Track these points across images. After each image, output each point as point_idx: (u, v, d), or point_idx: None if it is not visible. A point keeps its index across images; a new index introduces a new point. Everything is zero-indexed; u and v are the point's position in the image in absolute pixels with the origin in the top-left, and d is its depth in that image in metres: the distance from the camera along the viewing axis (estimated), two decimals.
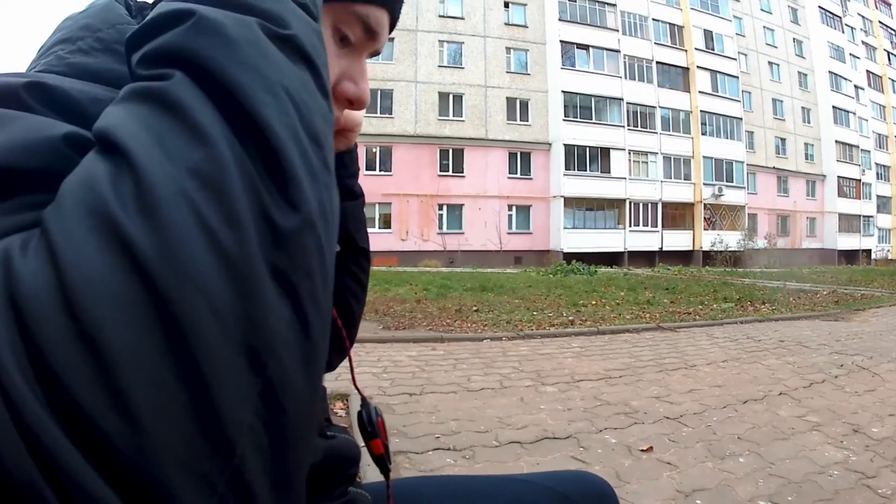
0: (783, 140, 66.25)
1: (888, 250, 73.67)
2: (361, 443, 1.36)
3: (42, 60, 1.00)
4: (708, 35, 59.96)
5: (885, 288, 27.80)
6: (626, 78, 54.61)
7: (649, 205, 54.76)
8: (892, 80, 79.41)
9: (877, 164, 74.57)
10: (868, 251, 70.49)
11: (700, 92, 57.89)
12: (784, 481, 5.52)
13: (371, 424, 1.37)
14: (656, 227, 54.90)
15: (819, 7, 70.57)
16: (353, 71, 1.14)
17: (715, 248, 53.60)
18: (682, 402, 8.31)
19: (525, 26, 53.38)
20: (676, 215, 56.64)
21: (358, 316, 1.55)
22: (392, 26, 1.19)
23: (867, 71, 75.81)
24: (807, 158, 68.10)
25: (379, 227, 47.05)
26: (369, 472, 4.31)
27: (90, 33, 1.01)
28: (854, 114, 71.31)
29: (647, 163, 55.27)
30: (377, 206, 46.47)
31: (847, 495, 5.20)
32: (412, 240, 46.92)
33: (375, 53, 1.19)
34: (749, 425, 7.29)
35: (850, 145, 70.42)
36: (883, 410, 8.01)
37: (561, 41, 52.40)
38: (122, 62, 0.87)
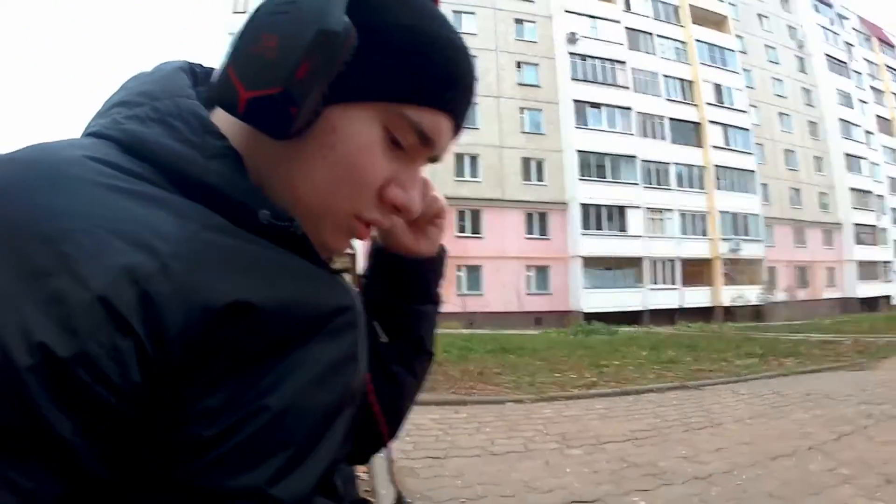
0: (797, 190, 66.24)
1: None
2: None
3: (100, 121, 1.00)
4: (718, 89, 60.26)
5: None
6: (639, 135, 54.84)
7: (667, 262, 54.71)
8: None
9: (892, 210, 74.36)
10: (888, 297, 70.03)
11: (713, 146, 58.07)
12: None
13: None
14: (675, 284, 54.78)
15: (826, 55, 70.94)
16: (405, 177, 1.09)
17: (735, 304, 53.20)
18: (710, 461, 8.25)
19: (538, 86, 53.68)
20: (695, 271, 56.51)
21: (404, 413, 1.50)
22: (457, 132, 1.13)
23: (876, 115, 75.95)
24: (822, 207, 68.04)
25: None
26: None
27: (149, 101, 0.99)
28: (866, 159, 71.35)
29: (663, 220, 55.31)
30: None
31: None
32: None
33: (434, 160, 1.14)
34: (779, 482, 7.25)
35: (865, 191, 70.34)
36: None
37: (574, 100, 52.72)
38: (175, 138, 0.95)
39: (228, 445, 0.84)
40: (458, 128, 1.12)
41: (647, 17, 59.22)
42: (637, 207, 53.42)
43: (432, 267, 1.46)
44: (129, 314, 0.76)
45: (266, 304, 0.88)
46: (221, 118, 1.00)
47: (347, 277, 1.24)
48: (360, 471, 7.45)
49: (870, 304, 66.01)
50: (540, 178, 52.86)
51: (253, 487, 0.86)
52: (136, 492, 0.81)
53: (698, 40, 60.86)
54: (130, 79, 1.08)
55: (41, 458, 0.71)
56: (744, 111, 61.20)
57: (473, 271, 49.92)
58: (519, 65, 54.37)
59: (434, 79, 1.03)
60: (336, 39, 0.90)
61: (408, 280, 1.43)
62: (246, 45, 0.91)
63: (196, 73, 1.13)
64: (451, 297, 47.50)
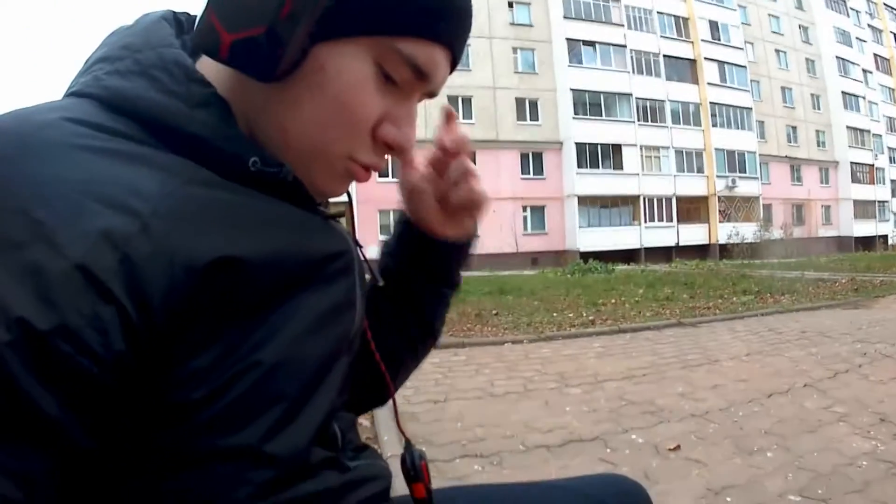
0: (794, 128, 66.14)
1: None
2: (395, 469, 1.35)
3: (81, 79, 0.99)
4: (713, 25, 59.99)
5: None
6: (633, 73, 54.84)
7: (663, 200, 54.80)
8: None
9: (889, 148, 74.26)
10: (885, 237, 70.06)
11: (708, 83, 57.96)
12: (813, 474, 5.51)
13: (414, 468, 1.32)
14: (671, 221, 54.94)
15: None
16: (398, 113, 1.07)
17: (731, 241, 53.16)
18: (707, 398, 8.29)
19: (530, 25, 53.43)
20: (691, 209, 56.63)
21: (407, 369, 1.53)
22: (454, 65, 1.11)
23: (874, 54, 75.53)
24: (819, 145, 67.94)
25: None
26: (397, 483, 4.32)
27: (130, 53, 0.97)
28: (864, 98, 71.11)
29: (659, 157, 55.34)
30: (391, 212, 46.31)
31: (878, 486, 5.19)
32: None
33: (430, 95, 1.12)
34: (775, 419, 7.27)
35: (862, 130, 70.20)
36: None
37: (567, 39, 52.59)
38: (158, 90, 0.93)
39: (219, 406, 0.85)
40: (454, 60, 1.10)
41: None
42: (632, 145, 53.71)
43: (459, 252, 1.45)
44: (109, 280, 0.74)
45: (253, 257, 0.88)
46: (207, 66, 1.00)
47: (342, 222, 1.22)
48: (362, 417, 7.53)
49: (865, 243, 66.18)
50: (534, 118, 52.98)
51: (245, 446, 0.88)
52: (127, 461, 0.82)
53: None
54: (111, 33, 1.06)
55: (28, 436, 0.70)
56: (740, 48, 61.13)
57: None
58: (511, 4, 54.11)
59: (426, 9, 0.99)
60: None
61: (431, 258, 1.43)
62: None
63: (181, 22, 1.12)
64: None
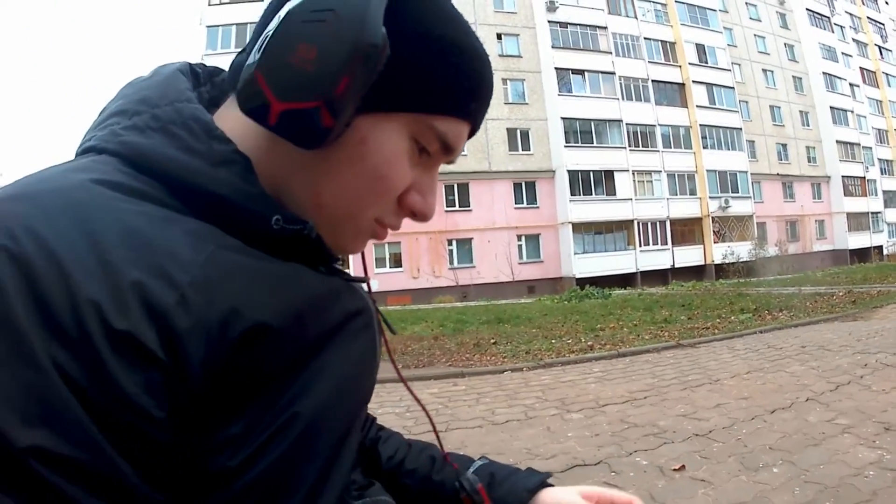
0: (784, 145, 66.31)
1: None
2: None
3: (98, 133, 0.97)
4: (700, 48, 60.22)
5: None
6: (623, 99, 54.79)
7: (657, 223, 54.80)
8: (886, 75, 79.72)
9: (879, 160, 74.58)
10: (879, 247, 70.30)
11: (697, 106, 58.05)
12: (820, 487, 5.49)
13: (476, 492, 1.37)
14: (666, 244, 54.93)
15: (807, 10, 70.82)
16: (423, 183, 1.09)
17: (727, 261, 53.45)
18: (710, 417, 8.31)
19: (519, 56, 53.61)
20: (685, 231, 56.67)
21: None
22: (471, 136, 1.13)
23: (861, 68, 75.99)
24: (809, 161, 68.14)
25: (390, 267, 46.79)
26: None
27: (148, 108, 0.96)
28: (852, 112, 71.34)
29: (651, 181, 55.38)
30: (386, 245, 46.48)
31: (886, 494, 5.18)
32: (424, 277, 46.76)
33: (449, 162, 1.14)
34: (779, 434, 7.29)
35: (852, 144, 70.41)
36: None
37: (556, 68, 52.58)
38: (177, 147, 0.91)
39: (254, 473, 0.85)
40: (473, 132, 1.11)
41: None
42: (624, 171, 53.52)
43: None
44: (155, 350, 0.74)
45: (282, 323, 0.88)
46: (227, 119, 0.99)
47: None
48: None
49: (860, 255, 66.38)
50: (526, 148, 52.83)
51: None
52: None
53: (678, 1, 60.73)
54: (126, 85, 1.05)
55: (106, 492, 0.70)
56: (727, 69, 61.17)
57: (464, 244, 49.94)
58: (499, 36, 54.05)
59: (462, 91, 1.02)
60: (375, 52, 0.87)
61: None
62: (280, 52, 0.86)
63: (197, 74, 1.11)
64: (444, 272, 47.61)
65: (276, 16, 0.88)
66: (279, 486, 0.88)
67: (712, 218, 56.99)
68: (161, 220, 0.84)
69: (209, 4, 49.26)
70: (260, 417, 0.86)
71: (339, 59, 0.85)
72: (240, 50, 1.05)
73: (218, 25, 48.63)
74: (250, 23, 48.06)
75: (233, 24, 48.18)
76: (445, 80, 0.99)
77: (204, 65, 1.13)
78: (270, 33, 0.87)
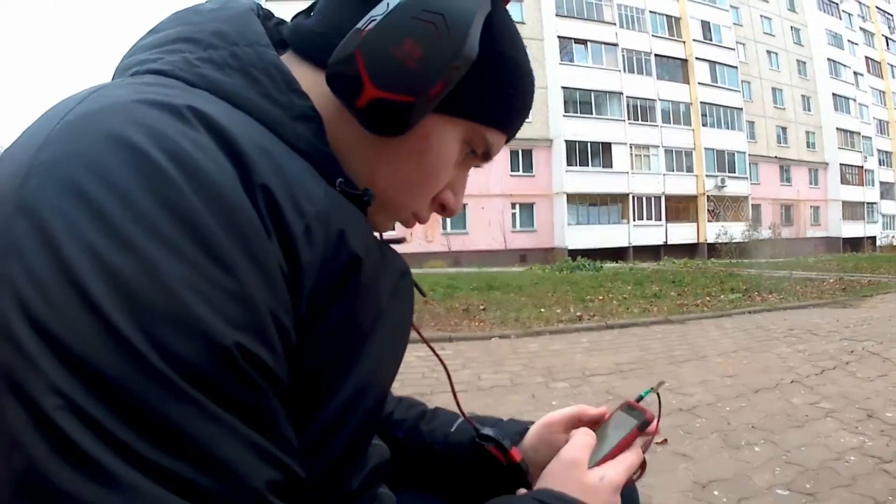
0: (784, 129, 66.26)
1: (893, 237, 73.62)
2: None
3: (165, 56, 0.94)
4: (705, 26, 59.97)
5: (892, 274, 27.87)
6: (624, 71, 54.69)
7: (652, 199, 54.83)
8: (891, 66, 79.59)
9: (879, 151, 74.62)
10: (873, 238, 70.46)
11: (699, 83, 57.93)
12: (801, 469, 5.52)
13: (504, 439, 1.45)
14: (660, 220, 55.00)
15: None
16: (458, 182, 1.16)
17: (720, 240, 53.35)
18: (695, 393, 8.31)
19: (522, 23, 53.10)
20: (680, 208, 56.68)
21: None
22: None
23: (866, 57, 75.84)
24: (808, 147, 68.13)
25: None
26: None
27: (226, 45, 0.96)
28: (854, 100, 71.31)
29: (648, 156, 55.33)
30: None
31: (865, 480, 5.20)
32: (416, 241, 46.64)
33: (478, 166, 1.19)
34: (763, 414, 7.30)
35: (852, 132, 70.42)
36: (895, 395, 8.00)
37: (559, 37, 52.44)
38: (258, 92, 0.93)
39: (321, 419, 0.92)
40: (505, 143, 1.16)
41: None
42: (622, 144, 53.60)
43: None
44: (285, 271, 0.79)
45: (368, 262, 0.93)
46: (302, 76, 0.99)
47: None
48: None
49: (854, 244, 66.52)
50: None
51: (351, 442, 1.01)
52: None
53: None
54: (188, 11, 1.03)
55: (280, 395, 0.78)
56: (731, 48, 61.04)
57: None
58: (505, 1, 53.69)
59: (515, 110, 1.09)
60: (469, 63, 0.91)
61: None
62: (386, 41, 0.88)
63: (259, 17, 1.09)
64: (436, 237, 47.57)
65: (385, 2, 0.89)
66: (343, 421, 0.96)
67: (707, 196, 57.12)
68: (284, 149, 0.89)
69: None
70: (342, 354, 0.93)
71: (441, 64, 0.88)
72: (303, 10, 1.11)
73: None
74: None
75: None
76: (507, 98, 1.06)
77: (264, 8, 1.13)
78: (379, 18, 0.88)
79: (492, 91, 1.03)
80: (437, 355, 1.50)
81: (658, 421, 1.32)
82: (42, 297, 0.65)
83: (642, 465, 1.31)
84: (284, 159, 0.85)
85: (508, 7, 1.09)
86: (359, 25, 0.89)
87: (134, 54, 0.99)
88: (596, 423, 1.43)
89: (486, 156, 1.12)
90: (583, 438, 1.29)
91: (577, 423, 1.46)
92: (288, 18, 1.16)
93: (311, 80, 0.98)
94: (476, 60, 0.92)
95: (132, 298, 0.66)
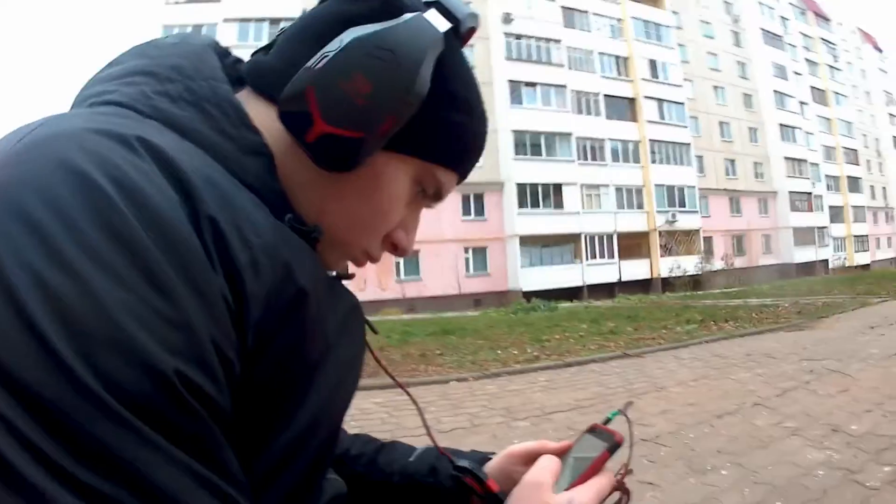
0: (732, 161, 67.26)
1: (845, 258, 75.75)
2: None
3: (122, 88, 0.92)
4: (653, 64, 60.90)
5: (846, 294, 28.45)
6: (574, 112, 55.13)
7: (605, 237, 55.20)
8: (836, 94, 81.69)
9: (826, 176, 76.40)
10: (825, 261, 71.98)
11: (648, 121, 58.71)
12: (770, 488, 5.50)
13: (480, 471, 1.37)
14: (613, 258, 55.34)
15: (761, 28, 72.12)
16: (410, 221, 1.13)
17: (673, 274, 54.17)
18: (656, 423, 8.37)
19: (472, 66, 53.67)
20: (632, 245, 57.09)
21: None
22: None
23: (811, 86, 77.61)
24: (757, 177, 69.12)
25: None
26: None
27: (182, 78, 0.94)
28: (801, 129, 72.72)
29: (599, 195, 55.78)
30: None
31: (835, 493, 5.20)
32: (371, 289, 46.30)
33: (430, 206, 1.17)
34: (726, 438, 7.33)
35: (799, 160, 71.65)
36: (858, 408, 8.16)
37: (508, 80, 52.78)
38: (210, 126, 0.92)
39: (270, 451, 0.89)
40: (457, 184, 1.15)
41: None
42: (573, 184, 53.76)
43: None
44: (229, 302, 0.78)
45: (315, 295, 0.91)
46: (256, 111, 0.97)
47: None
48: None
49: (807, 268, 67.64)
50: None
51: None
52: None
53: (634, 17, 61.43)
54: (148, 45, 1.03)
55: (221, 425, 0.75)
56: (679, 85, 61.93)
57: (411, 257, 49.52)
58: None
59: (467, 150, 1.09)
60: (419, 100, 0.92)
61: None
62: (336, 77, 0.88)
63: (220, 54, 1.08)
64: (390, 285, 47.66)
65: (338, 39, 0.91)
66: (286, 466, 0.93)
67: (659, 232, 57.62)
68: (231, 181, 0.87)
69: (166, 3, 49.39)
70: (283, 395, 0.90)
71: (390, 101, 0.90)
72: (262, 46, 1.09)
73: (174, 25, 48.40)
74: (207, 24, 48.68)
75: (189, 25, 47.99)
76: (458, 138, 1.06)
77: (222, 48, 1.11)
78: (331, 55, 0.89)
79: (443, 130, 1.03)
80: (406, 390, 1.45)
81: (632, 443, 1.22)
82: None
83: (626, 494, 1.22)
84: (231, 191, 0.85)
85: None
86: (311, 61, 0.90)
87: (93, 86, 0.97)
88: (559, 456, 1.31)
89: (438, 195, 1.11)
90: (545, 462, 1.20)
91: (536, 455, 1.31)
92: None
93: (264, 116, 0.97)
94: (427, 99, 0.93)
95: (72, 322, 0.64)
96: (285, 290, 0.85)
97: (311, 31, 0.98)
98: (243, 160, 0.91)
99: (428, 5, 0.97)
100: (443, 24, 0.94)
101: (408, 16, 0.92)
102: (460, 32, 1.00)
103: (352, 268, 1.13)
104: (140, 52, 1.00)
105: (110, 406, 0.64)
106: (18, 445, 0.61)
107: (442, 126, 1.02)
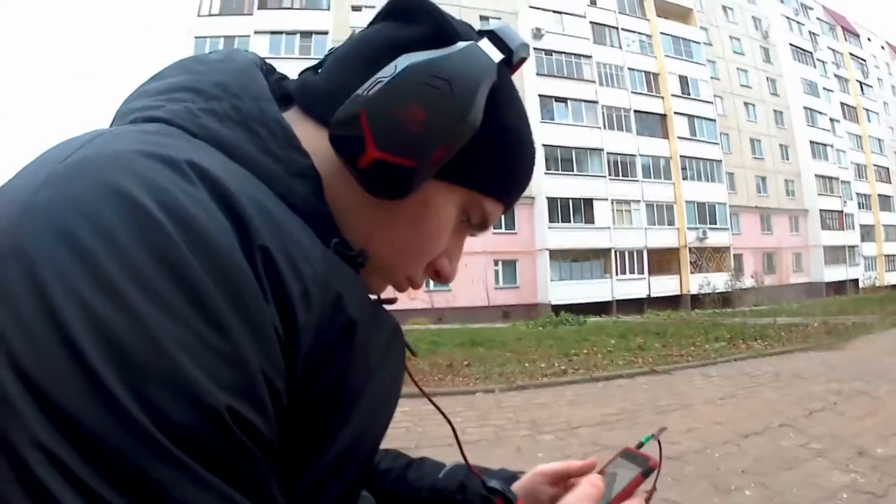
0: (763, 179, 66.68)
1: (875, 278, 74.45)
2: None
3: (168, 105, 0.92)
4: (683, 80, 60.52)
5: (876, 314, 28.08)
6: (605, 128, 55.01)
7: (634, 252, 54.91)
8: (867, 110, 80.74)
9: (857, 194, 75.32)
10: (856, 281, 70.87)
11: (679, 137, 58.31)
12: None
13: (510, 492, 1.40)
14: (643, 274, 55.03)
15: (790, 45, 71.48)
16: (453, 249, 1.14)
17: (703, 291, 53.84)
18: (682, 441, 8.31)
19: None
20: (662, 261, 56.82)
21: None
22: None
23: (841, 103, 76.75)
24: (788, 194, 68.57)
25: None
26: None
27: (228, 97, 0.93)
28: (832, 146, 71.97)
29: (630, 211, 55.52)
30: None
31: None
32: (400, 298, 45.84)
33: (473, 236, 1.18)
34: (752, 458, 7.29)
35: (830, 178, 70.95)
36: (886, 430, 8.07)
37: (539, 95, 52.72)
38: (258, 147, 0.91)
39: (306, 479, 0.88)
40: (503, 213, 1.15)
41: (612, 11, 59.48)
42: (604, 199, 53.59)
43: None
44: (280, 334, 0.77)
45: (360, 321, 0.90)
46: (304, 133, 0.97)
47: None
48: None
49: (837, 287, 66.79)
50: None
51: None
52: None
53: (663, 33, 61.16)
54: (192, 60, 1.03)
55: (271, 461, 0.75)
56: (709, 102, 61.50)
57: None
58: None
59: (515, 181, 1.09)
60: (472, 131, 0.92)
61: None
62: (390, 103, 0.87)
63: (262, 71, 1.07)
64: (419, 294, 47.45)
65: (392, 64, 0.90)
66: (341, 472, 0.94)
67: (689, 248, 57.22)
68: (281, 207, 0.86)
69: (198, 15, 49.48)
70: (325, 424, 0.90)
71: (444, 130, 0.89)
72: (311, 66, 1.10)
73: (206, 37, 48.62)
74: (238, 36, 48.82)
75: (221, 37, 48.19)
76: (507, 169, 1.06)
77: (268, 64, 1.12)
78: (385, 80, 0.88)
79: (492, 161, 1.03)
80: (439, 408, 1.42)
81: (659, 469, 1.25)
82: (29, 345, 0.62)
83: None
84: (282, 218, 0.84)
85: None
86: (365, 86, 0.89)
87: (136, 99, 0.97)
88: (583, 474, 1.38)
89: (483, 225, 1.11)
90: (587, 489, 1.21)
91: (564, 476, 1.43)
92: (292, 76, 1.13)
93: (313, 138, 0.96)
94: (479, 129, 0.93)
95: (121, 354, 0.63)
96: (335, 320, 0.85)
97: (361, 55, 0.99)
98: (291, 182, 0.91)
99: (481, 34, 0.98)
100: (496, 55, 0.95)
101: (462, 44, 0.92)
102: (512, 62, 0.99)
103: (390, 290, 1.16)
104: (184, 68, 1.00)
105: (160, 443, 0.62)
106: (61, 477, 0.60)
107: (492, 157, 1.02)
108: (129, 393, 0.62)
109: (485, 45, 0.94)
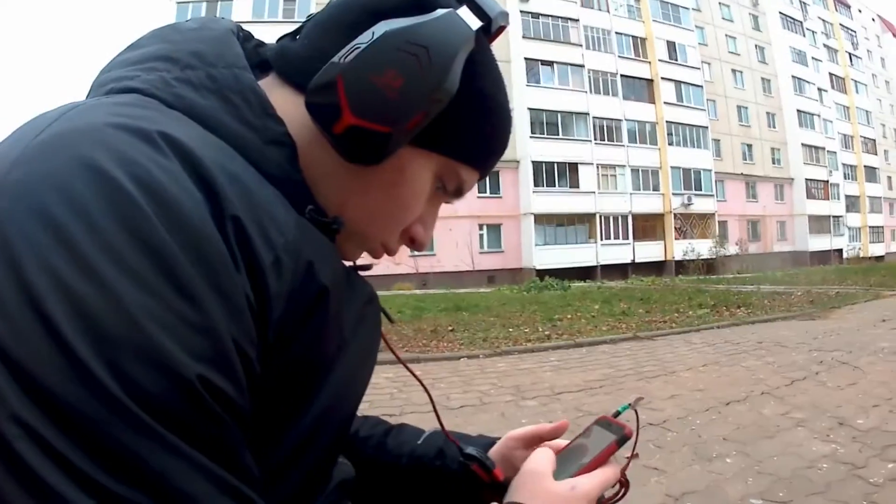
0: (749, 146, 66.88)
1: (859, 248, 75.02)
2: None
3: (143, 74, 0.92)
4: (671, 46, 60.51)
5: (859, 285, 28.26)
6: (591, 92, 55.00)
7: (619, 217, 55.09)
8: (855, 81, 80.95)
9: (843, 165, 75.76)
10: (840, 251, 71.52)
11: (665, 103, 58.43)
12: (774, 478, 5.52)
13: (487, 458, 1.43)
14: (627, 239, 55.29)
15: (780, 13, 71.43)
16: (428, 216, 1.14)
17: (687, 258, 54.03)
18: (665, 407, 8.36)
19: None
20: (647, 227, 57.03)
21: None
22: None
23: (829, 73, 76.88)
24: (774, 163, 68.75)
25: None
26: None
27: (203, 65, 0.94)
28: (818, 116, 72.20)
29: (615, 176, 55.61)
30: None
31: (838, 487, 5.21)
32: (384, 263, 44.96)
33: (448, 203, 1.18)
34: (734, 426, 7.34)
35: (817, 147, 71.21)
36: (866, 402, 8.12)
37: (525, 58, 52.69)
38: (233, 115, 0.92)
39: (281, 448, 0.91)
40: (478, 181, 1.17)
41: None
42: (589, 164, 53.84)
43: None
44: (252, 303, 0.78)
45: (335, 292, 0.93)
46: (281, 99, 0.98)
47: None
48: None
49: (821, 257, 67.19)
50: None
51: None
52: None
53: None
54: (169, 29, 1.03)
55: (244, 428, 0.76)
56: (697, 68, 61.64)
57: None
58: None
59: (491, 148, 1.10)
60: (448, 98, 0.92)
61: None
62: (367, 69, 0.88)
63: (240, 38, 1.08)
64: (403, 259, 47.63)
65: (370, 31, 0.90)
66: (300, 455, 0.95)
67: (674, 214, 57.45)
68: (254, 176, 0.87)
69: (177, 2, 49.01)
70: (308, 381, 0.93)
71: (421, 97, 0.89)
72: (290, 32, 1.09)
73: (188, 2, 48.15)
74: (220, 0, 48.06)
75: (203, 1, 47.76)
76: (483, 136, 1.07)
77: (244, 30, 1.12)
78: (362, 47, 0.89)
79: (469, 128, 1.03)
80: (417, 377, 1.48)
81: (637, 438, 1.25)
82: (3, 320, 0.64)
83: (625, 486, 1.28)
84: (255, 187, 0.84)
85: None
86: (342, 52, 0.90)
87: (111, 70, 0.98)
88: (555, 437, 1.45)
89: (458, 192, 1.12)
90: (542, 452, 1.26)
91: (535, 440, 1.45)
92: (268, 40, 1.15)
93: (290, 105, 0.97)
94: (456, 96, 0.93)
95: (94, 327, 0.64)
96: (307, 288, 0.87)
97: (340, 21, 0.99)
98: (265, 150, 0.92)
99: (460, 2, 0.96)
100: (475, 22, 0.95)
101: (440, 12, 0.92)
102: (490, 30, 1.00)
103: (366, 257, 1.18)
104: (160, 37, 1.00)
105: (134, 413, 0.64)
106: (38, 450, 0.61)
107: (469, 124, 1.03)
108: (103, 364, 0.63)
109: (463, 12, 0.94)
